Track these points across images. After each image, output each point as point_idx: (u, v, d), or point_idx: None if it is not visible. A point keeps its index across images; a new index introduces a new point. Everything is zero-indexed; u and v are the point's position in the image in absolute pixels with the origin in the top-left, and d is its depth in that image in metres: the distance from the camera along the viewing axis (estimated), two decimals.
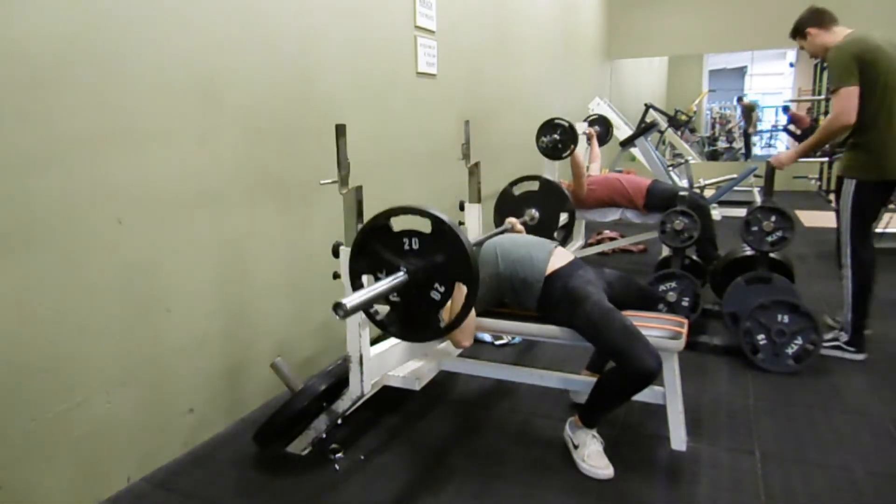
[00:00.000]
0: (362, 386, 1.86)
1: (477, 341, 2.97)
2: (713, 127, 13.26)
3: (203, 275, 2.05)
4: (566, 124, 4.12)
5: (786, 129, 12.05)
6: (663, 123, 7.44)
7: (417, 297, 1.61)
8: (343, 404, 1.97)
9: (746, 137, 12.19)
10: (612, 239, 5.23)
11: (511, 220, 2.60)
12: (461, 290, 1.59)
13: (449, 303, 1.61)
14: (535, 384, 2.23)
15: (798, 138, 11.28)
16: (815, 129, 9.35)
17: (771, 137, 13.87)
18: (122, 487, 1.82)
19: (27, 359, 1.55)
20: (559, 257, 2.08)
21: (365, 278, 1.65)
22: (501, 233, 2.52)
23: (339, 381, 1.97)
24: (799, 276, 3.16)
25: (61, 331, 1.62)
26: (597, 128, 5.14)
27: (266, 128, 2.27)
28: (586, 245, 4.97)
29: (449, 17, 3.60)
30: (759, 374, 2.59)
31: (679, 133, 8.29)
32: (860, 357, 2.74)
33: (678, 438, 1.97)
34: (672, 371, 1.91)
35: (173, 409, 1.99)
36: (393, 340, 2.05)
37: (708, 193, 6.04)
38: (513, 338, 2.97)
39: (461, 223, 2.71)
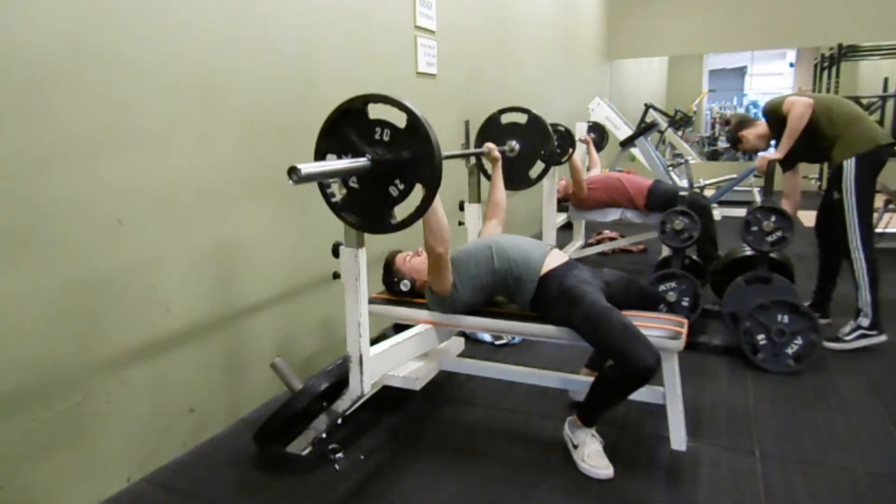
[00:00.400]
0: (362, 386, 1.86)
1: (477, 341, 2.97)
2: (713, 127, 13.26)
3: (203, 275, 2.05)
4: (563, 129, 4.12)
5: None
6: (663, 123, 7.44)
7: (376, 188, 1.59)
8: (343, 404, 1.97)
9: None
10: (612, 239, 5.23)
11: (490, 144, 2.56)
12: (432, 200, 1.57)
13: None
14: (534, 384, 2.23)
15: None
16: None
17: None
18: (122, 487, 1.82)
19: (27, 358, 1.55)
20: (554, 258, 2.08)
21: (329, 158, 1.63)
22: (479, 154, 2.50)
23: (339, 381, 1.97)
24: (799, 276, 3.16)
25: (61, 331, 1.62)
26: (592, 135, 5.15)
27: (266, 128, 2.27)
28: (586, 245, 4.97)
29: (449, 17, 3.60)
30: (759, 374, 2.59)
31: (679, 133, 8.28)
32: (883, 338, 2.81)
33: (678, 438, 1.97)
34: (672, 371, 1.91)
35: (173, 409, 1.99)
36: (393, 340, 2.05)
37: (708, 193, 6.04)
38: (513, 338, 2.97)
39: (461, 223, 2.71)
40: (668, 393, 1.94)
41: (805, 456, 1.97)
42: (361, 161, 1.55)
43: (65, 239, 1.61)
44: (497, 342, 2.97)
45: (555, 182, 4.35)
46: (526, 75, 5.23)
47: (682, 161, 6.69)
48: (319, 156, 1.66)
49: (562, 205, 4.46)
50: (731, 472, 1.88)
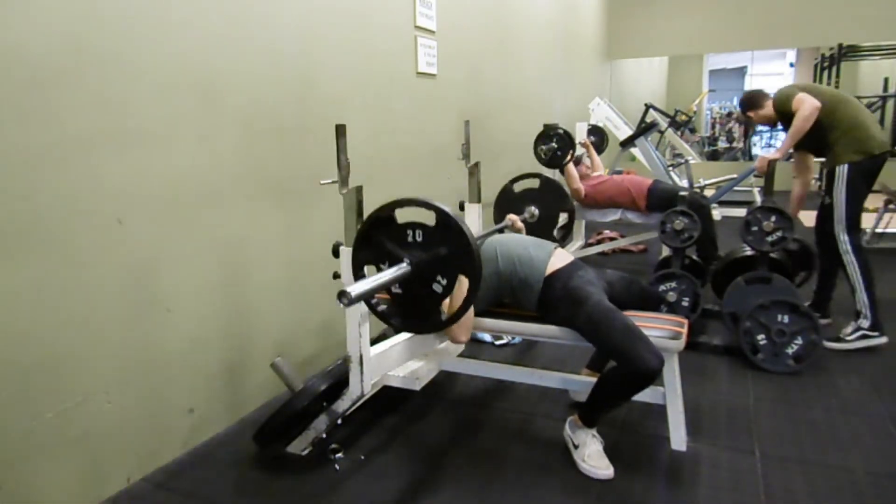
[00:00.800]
0: (362, 386, 1.86)
1: (477, 341, 2.97)
2: (713, 127, 13.27)
3: (203, 275, 2.05)
4: (562, 132, 4.12)
5: (786, 130, 12.02)
6: (663, 123, 7.43)
7: (419, 289, 1.61)
8: (343, 404, 1.97)
9: (747, 137, 12.20)
10: (612, 239, 5.23)
11: (511, 216, 2.59)
12: (462, 284, 1.59)
13: (448, 298, 1.61)
14: (535, 384, 2.23)
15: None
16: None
17: (771, 137, 13.87)
18: (122, 487, 1.82)
19: (27, 359, 1.55)
20: (559, 258, 2.08)
21: (367, 270, 1.65)
22: (501, 230, 2.52)
23: (339, 381, 1.97)
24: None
25: (61, 331, 1.62)
26: (592, 137, 5.16)
27: (266, 128, 2.27)
28: (586, 245, 4.97)
29: (449, 17, 3.60)
30: (759, 374, 2.59)
31: (679, 133, 8.28)
32: (884, 340, 2.83)
33: (678, 438, 1.97)
34: (672, 371, 1.91)
35: (173, 409, 1.99)
36: (393, 340, 2.05)
37: (708, 193, 6.04)
38: (513, 338, 2.97)
39: None
40: (668, 393, 1.94)
41: (805, 456, 1.97)
42: (403, 267, 1.58)
43: (65, 239, 1.61)
44: (497, 342, 2.97)
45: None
46: (526, 75, 5.23)
47: (682, 161, 6.68)
48: (357, 268, 1.69)
49: None
50: (731, 472, 1.88)
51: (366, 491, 1.82)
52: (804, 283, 3.30)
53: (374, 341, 2.02)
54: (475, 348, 2.88)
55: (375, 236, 1.65)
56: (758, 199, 6.34)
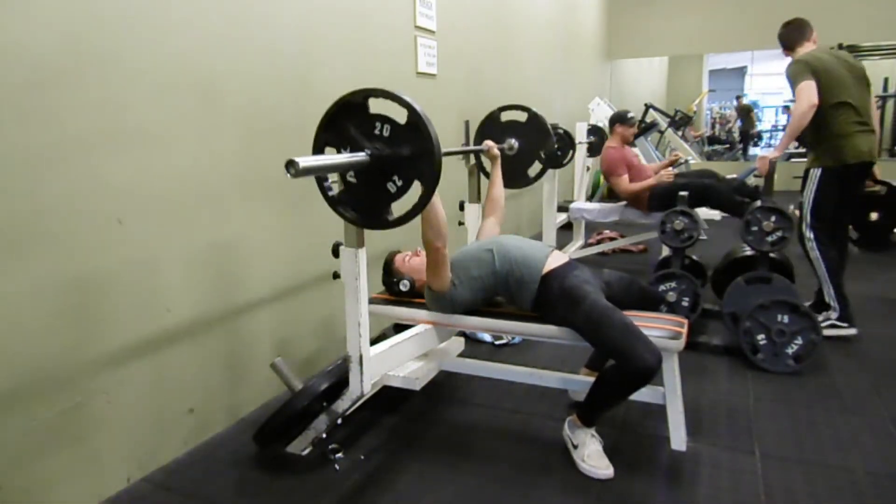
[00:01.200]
0: (362, 386, 1.86)
1: (477, 341, 2.97)
2: (713, 127, 13.27)
3: (203, 275, 2.05)
4: (562, 131, 4.11)
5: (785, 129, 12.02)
6: (663, 123, 7.44)
7: (374, 183, 1.58)
8: (343, 404, 1.97)
9: (744, 137, 12.21)
10: (612, 239, 5.23)
11: (489, 142, 2.56)
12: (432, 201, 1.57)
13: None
14: (534, 384, 2.23)
15: (798, 138, 11.26)
16: None
17: (771, 137, 13.88)
18: (122, 487, 1.82)
19: (27, 359, 1.55)
20: (555, 258, 2.08)
21: (328, 152, 1.63)
22: (478, 152, 2.51)
23: (339, 381, 1.97)
24: (799, 276, 3.16)
25: (61, 331, 1.62)
26: (592, 138, 5.19)
27: (266, 128, 2.27)
28: (586, 245, 4.97)
29: (449, 17, 3.60)
30: (759, 374, 2.59)
31: (679, 133, 8.28)
32: (853, 332, 2.93)
33: (678, 438, 1.97)
34: (672, 371, 1.91)
35: (173, 409, 1.99)
36: (393, 340, 2.05)
37: None
38: (513, 338, 2.97)
39: (461, 223, 2.71)
40: (668, 393, 1.94)
41: (805, 456, 1.97)
42: (360, 156, 1.55)
43: (65, 238, 1.61)
44: (497, 342, 2.97)
45: (554, 184, 4.34)
46: (526, 75, 5.23)
47: (682, 161, 6.69)
48: (318, 148, 1.65)
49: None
50: (731, 472, 1.88)
51: (366, 491, 1.82)
52: None
53: (374, 341, 2.02)
54: (475, 348, 2.88)
55: (343, 121, 1.60)
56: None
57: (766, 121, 14.56)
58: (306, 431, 1.98)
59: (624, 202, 4.32)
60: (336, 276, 1.87)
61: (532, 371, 2.19)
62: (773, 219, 2.79)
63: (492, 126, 2.81)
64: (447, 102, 3.65)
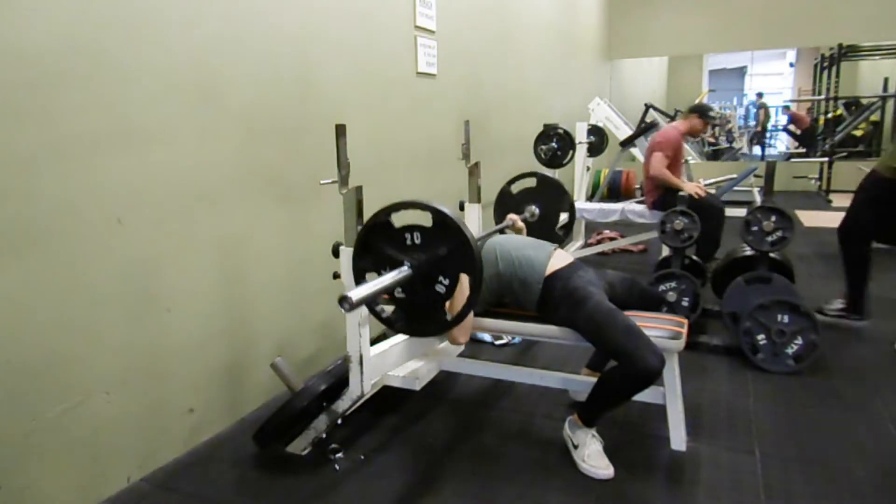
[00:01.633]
0: (362, 386, 1.86)
1: (477, 341, 2.97)
2: (713, 127, 13.25)
3: (203, 275, 2.05)
4: (562, 131, 4.11)
5: (786, 129, 12.06)
6: (663, 123, 7.43)
7: (422, 291, 1.61)
8: (343, 404, 1.97)
9: (761, 136, 12.22)
10: (612, 239, 5.23)
11: (512, 216, 2.59)
12: (462, 284, 1.59)
13: (450, 300, 1.61)
14: (535, 384, 2.23)
15: (798, 138, 11.30)
16: (815, 128, 9.36)
17: (771, 137, 13.89)
18: (122, 487, 1.82)
19: (27, 359, 1.55)
20: (559, 258, 2.08)
21: (368, 277, 1.65)
22: (502, 230, 2.51)
23: (339, 381, 1.97)
24: (799, 276, 3.16)
25: (61, 331, 1.62)
26: (592, 138, 5.15)
27: (266, 128, 2.27)
28: (586, 245, 4.97)
29: (449, 17, 3.60)
30: (759, 374, 2.59)
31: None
32: (862, 323, 3.02)
33: (678, 438, 1.97)
34: (672, 371, 1.91)
35: (173, 409, 1.99)
36: (393, 340, 2.05)
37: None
38: (513, 338, 2.97)
39: None
40: (668, 393, 1.94)
41: (805, 456, 1.97)
42: (404, 270, 1.57)
43: (64, 238, 1.61)
44: (497, 342, 2.97)
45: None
46: (526, 75, 5.23)
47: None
48: (359, 277, 1.68)
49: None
50: (731, 472, 1.88)
51: (366, 491, 1.82)
52: None
53: (374, 341, 2.02)
54: (475, 348, 2.88)
55: (374, 242, 1.64)
56: (758, 199, 6.34)
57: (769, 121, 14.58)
58: (306, 431, 1.98)
59: (626, 202, 4.31)
60: (336, 276, 1.88)
61: (532, 371, 2.19)
62: (773, 219, 2.79)
63: (507, 199, 2.87)
64: (447, 102, 3.65)
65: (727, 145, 12.29)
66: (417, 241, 1.59)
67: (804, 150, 10.14)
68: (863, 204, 2.98)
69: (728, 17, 8.41)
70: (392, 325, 1.70)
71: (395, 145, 3.10)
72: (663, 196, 4.01)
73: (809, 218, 6.52)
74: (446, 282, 1.58)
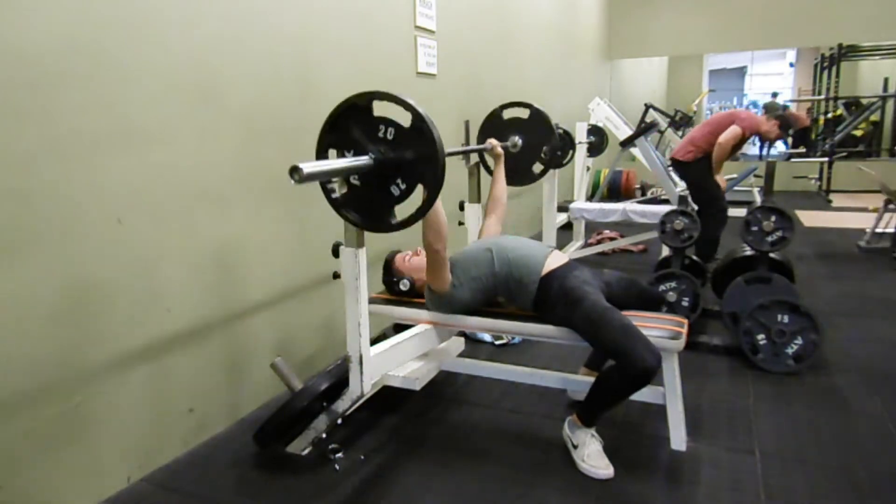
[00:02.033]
0: (362, 386, 1.86)
1: (477, 341, 2.97)
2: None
3: (203, 274, 2.05)
4: (562, 131, 4.11)
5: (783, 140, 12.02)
6: (663, 123, 7.43)
7: (377, 187, 1.59)
8: (343, 404, 1.97)
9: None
10: (612, 239, 5.23)
11: (492, 140, 2.55)
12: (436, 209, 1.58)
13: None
14: (534, 384, 2.23)
15: (793, 138, 11.27)
16: (809, 129, 9.33)
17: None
18: (122, 487, 1.82)
19: (27, 359, 1.55)
20: (555, 259, 2.08)
21: (332, 154, 1.63)
22: (482, 150, 2.50)
23: (339, 381, 1.97)
24: (799, 276, 3.16)
25: (61, 330, 1.62)
26: (592, 138, 5.17)
27: (266, 127, 2.27)
28: (586, 245, 4.97)
29: (449, 17, 3.60)
30: (759, 374, 2.59)
31: (679, 133, 8.28)
32: None
33: (678, 438, 1.97)
34: (672, 371, 1.91)
35: (173, 409, 1.99)
36: (393, 340, 2.05)
37: None
38: (513, 338, 2.97)
39: (461, 223, 2.71)
40: (668, 393, 1.94)
41: (805, 456, 1.97)
42: (364, 159, 1.55)
43: (64, 238, 1.61)
44: (497, 342, 2.97)
45: (554, 184, 4.34)
46: (526, 75, 5.23)
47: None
48: (322, 150, 1.65)
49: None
50: (731, 472, 1.88)
51: (366, 491, 1.82)
52: None
53: (374, 341, 2.02)
54: (475, 348, 2.88)
55: (346, 122, 1.60)
56: (758, 199, 6.35)
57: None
58: (306, 431, 1.98)
59: (626, 202, 4.31)
60: (336, 276, 1.88)
61: (532, 371, 2.19)
62: (773, 219, 2.79)
63: (494, 124, 2.81)
64: (447, 102, 3.65)
65: None
66: (389, 137, 1.56)
67: (804, 149, 10.14)
68: None
69: (728, 17, 8.42)
70: (338, 208, 1.65)
71: None
72: (707, 160, 3.92)
73: (809, 218, 6.53)
74: (403, 186, 1.55)
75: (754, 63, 14.80)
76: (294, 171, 1.37)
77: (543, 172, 2.96)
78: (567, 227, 4.88)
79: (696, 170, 3.95)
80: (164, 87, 1.86)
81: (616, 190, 7.97)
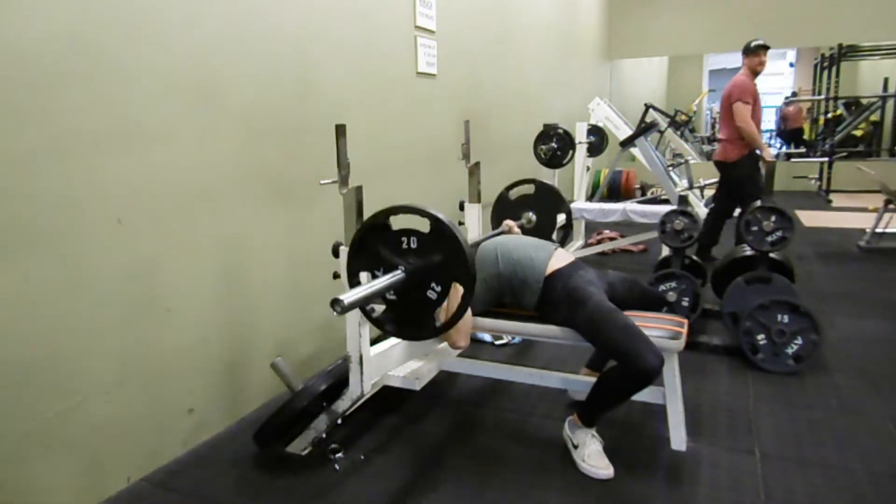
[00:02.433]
0: (362, 386, 1.86)
1: (477, 341, 2.97)
2: (713, 127, 13.26)
3: (203, 275, 2.05)
4: (562, 131, 4.11)
5: (778, 133, 12.00)
6: (663, 123, 7.43)
7: (414, 296, 1.62)
8: (343, 404, 1.97)
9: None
10: (612, 239, 5.23)
11: (508, 222, 2.59)
12: (457, 291, 1.59)
13: (445, 303, 1.61)
14: (534, 384, 2.23)
15: (787, 136, 11.25)
16: (802, 129, 9.29)
17: (771, 137, 13.88)
18: (122, 487, 1.82)
19: (27, 359, 1.55)
20: (559, 258, 2.08)
21: (363, 276, 1.66)
22: (500, 233, 2.51)
23: (339, 381, 1.97)
24: (799, 276, 3.16)
25: (61, 331, 1.62)
26: (592, 138, 5.17)
27: (266, 128, 2.27)
28: (586, 245, 4.97)
29: (449, 17, 3.60)
30: (759, 374, 2.59)
31: (679, 133, 8.29)
32: None
33: (678, 438, 1.97)
34: (672, 371, 1.91)
35: (173, 409, 1.99)
36: (393, 340, 2.05)
37: (708, 193, 6.04)
38: (513, 338, 2.97)
39: (461, 223, 2.71)
40: (668, 393, 1.94)
41: (805, 456, 1.97)
42: (397, 274, 1.59)
43: (64, 238, 1.61)
44: (497, 342, 2.97)
45: (554, 184, 4.33)
46: (526, 75, 5.23)
47: (682, 161, 6.69)
48: (352, 275, 1.69)
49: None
50: (731, 472, 1.88)
51: (366, 491, 1.82)
52: None
53: (374, 341, 2.02)
54: (475, 348, 2.88)
55: (370, 243, 1.65)
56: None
57: (768, 120, 14.56)
58: (306, 431, 1.98)
59: (626, 202, 4.31)
60: (336, 276, 1.88)
61: (532, 371, 2.19)
62: (773, 219, 2.78)
63: (504, 205, 2.89)
64: (447, 102, 3.65)
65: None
66: (413, 246, 1.60)
67: (804, 149, 10.14)
68: None
69: (728, 17, 8.42)
70: (381, 326, 1.71)
71: (395, 145, 3.10)
72: (751, 156, 3.87)
73: (809, 218, 6.52)
74: (438, 289, 1.59)
75: None
76: (335, 303, 1.40)
77: (564, 227, 3.09)
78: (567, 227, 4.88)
79: (744, 167, 3.89)
80: (164, 87, 1.86)
81: (616, 190, 7.97)
